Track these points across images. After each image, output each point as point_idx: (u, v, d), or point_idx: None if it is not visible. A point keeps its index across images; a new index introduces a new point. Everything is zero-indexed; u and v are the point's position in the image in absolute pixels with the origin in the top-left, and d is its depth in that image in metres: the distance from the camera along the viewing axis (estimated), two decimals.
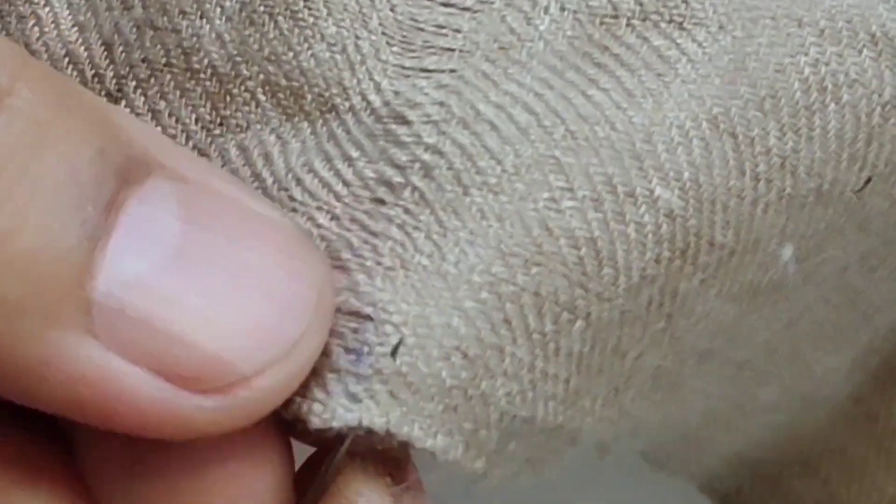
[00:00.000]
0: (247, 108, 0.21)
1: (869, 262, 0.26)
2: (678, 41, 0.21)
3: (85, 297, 0.18)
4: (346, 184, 0.20)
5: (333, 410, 0.19)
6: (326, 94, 0.21)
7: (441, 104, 0.21)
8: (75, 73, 0.22)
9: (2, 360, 0.17)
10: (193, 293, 0.18)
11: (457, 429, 0.20)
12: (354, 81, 0.21)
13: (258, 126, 0.21)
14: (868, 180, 0.23)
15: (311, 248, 0.19)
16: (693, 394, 0.26)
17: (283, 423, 0.20)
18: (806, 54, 0.22)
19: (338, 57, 0.21)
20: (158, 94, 0.22)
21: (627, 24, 0.21)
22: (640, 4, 0.21)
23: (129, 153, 0.19)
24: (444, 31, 0.21)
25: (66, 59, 0.22)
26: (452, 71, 0.21)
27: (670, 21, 0.21)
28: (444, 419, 0.20)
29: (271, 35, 0.21)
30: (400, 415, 0.20)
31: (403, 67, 0.21)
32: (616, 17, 0.21)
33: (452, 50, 0.21)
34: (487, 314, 0.20)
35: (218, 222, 0.19)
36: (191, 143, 0.22)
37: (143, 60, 0.22)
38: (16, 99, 0.18)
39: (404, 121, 0.21)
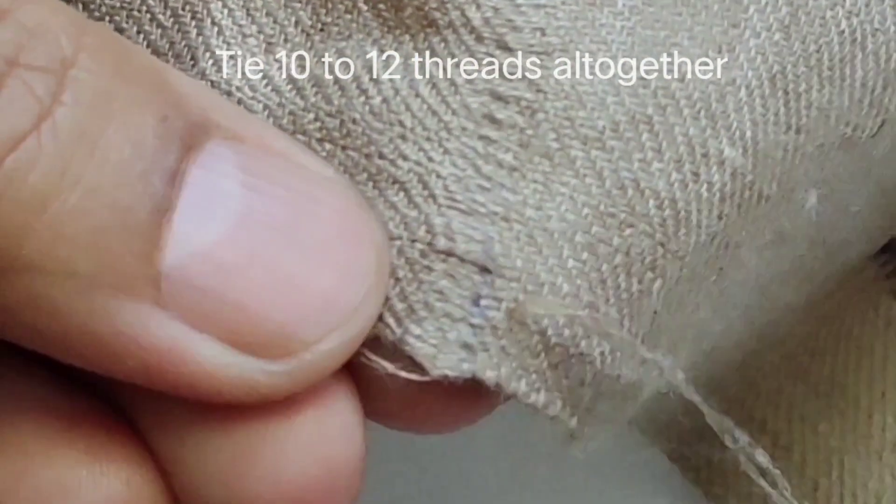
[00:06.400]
0: (348, 17, 0.21)
1: (863, 213, 0.28)
2: None
3: (154, 270, 0.18)
4: (454, 113, 0.20)
5: (450, 359, 0.20)
6: (425, 8, 0.21)
7: (542, 31, 0.21)
8: None
9: (75, 331, 0.18)
10: (257, 263, 0.18)
11: (556, 385, 0.21)
12: None
13: (360, 36, 0.21)
14: (882, 124, 0.24)
15: (365, 207, 0.20)
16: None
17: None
18: (843, 6, 0.23)
19: None
20: None
21: None
22: None
23: (189, 118, 0.19)
24: None
25: None
26: None
27: None
28: (547, 375, 0.20)
29: None
30: (510, 369, 0.20)
31: None
32: None
33: None
34: (587, 274, 0.20)
35: (277, 187, 0.19)
36: (288, 46, 0.21)
37: None
38: (79, 71, 0.18)
39: (506, 48, 0.20)
